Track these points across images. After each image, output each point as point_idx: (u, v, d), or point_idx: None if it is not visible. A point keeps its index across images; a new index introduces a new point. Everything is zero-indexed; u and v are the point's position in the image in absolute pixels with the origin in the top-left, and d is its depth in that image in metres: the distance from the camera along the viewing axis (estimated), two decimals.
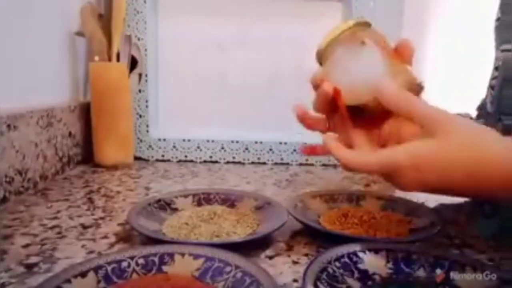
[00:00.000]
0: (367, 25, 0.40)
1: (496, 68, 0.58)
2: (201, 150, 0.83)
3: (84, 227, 0.46)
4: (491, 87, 0.58)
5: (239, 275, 0.32)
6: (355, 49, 0.38)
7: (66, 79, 0.75)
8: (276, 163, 0.83)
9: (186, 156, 0.82)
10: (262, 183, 0.69)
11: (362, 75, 0.37)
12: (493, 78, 0.58)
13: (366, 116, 0.39)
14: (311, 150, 0.51)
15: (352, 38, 0.38)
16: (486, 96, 0.60)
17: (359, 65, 0.38)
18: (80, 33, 0.75)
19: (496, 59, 0.58)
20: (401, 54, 0.39)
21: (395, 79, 0.36)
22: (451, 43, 1.21)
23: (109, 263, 0.33)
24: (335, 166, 0.82)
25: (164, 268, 0.34)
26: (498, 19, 0.59)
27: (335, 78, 0.39)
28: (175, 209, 0.50)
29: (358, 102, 0.38)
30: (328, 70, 0.40)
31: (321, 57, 0.41)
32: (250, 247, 0.41)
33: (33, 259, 0.38)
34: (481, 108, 0.62)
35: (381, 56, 0.37)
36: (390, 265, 0.36)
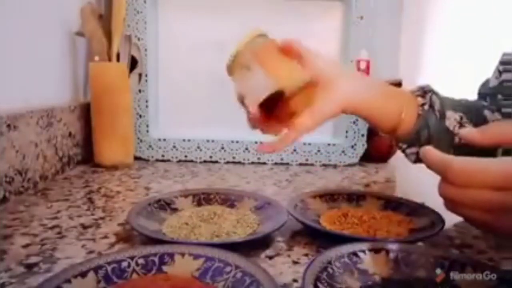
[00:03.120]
0: (260, 37, 0.49)
1: None
2: (201, 150, 0.83)
3: (84, 227, 0.46)
4: (501, 62, 0.58)
5: (239, 275, 0.32)
6: (245, 74, 0.48)
7: (66, 79, 0.75)
8: (276, 163, 0.83)
9: (186, 156, 0.82)
10: (262, 183, 0.69)
11: (256, 92, 0.47)
12: (506, 54, 0.58)
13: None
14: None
15: (242, 64, 0.48)
16: (494, 72, 0.60)
17: (252, 87, 0.47)
18: (80, 33, 0.75)
19: None
20: (287, 53, 0.49)
21: (286, 82, 0.44)
22: (450, 42, 1.21)
23: (109, 263, 0.33)
24: (335, 166, 0.82)
25: (164, 268, 0.34)
26: None
27: (239, 96, 0.50)
28: (175, 209, 0.50)
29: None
30: (235, 89, 0.51)
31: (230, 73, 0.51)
32: (250, 247, 0.41)
33: (33, 259, 0.38)
34: (483, 86, 0.62)
35: (264, 74, 0.45)
36: (390, 265, 0.36)
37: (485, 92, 0.60)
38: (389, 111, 0.53)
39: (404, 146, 0.56)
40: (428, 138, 0.53)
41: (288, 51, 0.49)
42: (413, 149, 0.55)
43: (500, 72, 0.58)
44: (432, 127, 0.53)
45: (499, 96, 0.57)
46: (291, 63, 0.48)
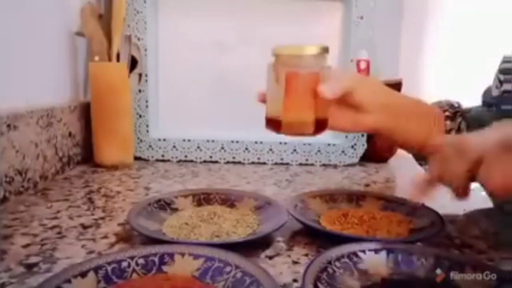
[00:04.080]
0: (323, 51, 0.46)
1: None
2: (201, 150, 0.83)
3: (84, 227, 0.46)
4: (500, 70, 0.58)
5: (239, 275, 0.32)
6: (272, 79, 0.46)
7: (66, 79, 0.75)
8: (276, 163, 0.83)
9: (186, 156, 0.82)
10: (262, 183, 0.69)
11: (270, 104, 0.47)
12: (504, 61, 0.58)
13: None
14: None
15: (277, 68, 0.45)
16: (494, 80, 0.60)
17: (271, 96, 0.47)
18: (80, 33, 0.75)
19: None
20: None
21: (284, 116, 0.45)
22: (450, 42, 1.21)
23: (109, 263, 0.33)
24: (335, 166, 0.82)
25: (164, 268, 0.34)
26: None
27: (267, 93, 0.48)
28: (175, 209, 0.50)
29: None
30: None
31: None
32: (250, 247, 0.41)
33: (33, 259, 0.38)
34: (486, 94, 0.62)
35: (282, 94, 0.44)
36: (390, 265, 0.36)
37: (489, 101, 0.60)
38: (416, 133, 0.50)
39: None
40: None
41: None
42: None
43: (500, 82, 0.58)
44: None
45: (503, 106, 0.57)
46: (309, 110, 0.45)
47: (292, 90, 0.44)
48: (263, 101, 0.49)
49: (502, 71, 0.58)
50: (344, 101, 0.47)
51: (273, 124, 0.46)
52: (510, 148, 0.35)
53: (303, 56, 0.45)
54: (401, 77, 0.90)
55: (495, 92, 0.58)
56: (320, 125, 0.46)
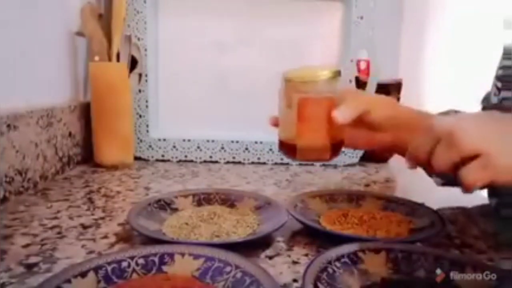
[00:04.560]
0: (335, 74, 0.45)
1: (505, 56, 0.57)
2: (201, 150, 0.82)
3: (84, 227, 0.46)
4: (496, 77, 0.58)
5: (239, 275, 0.32)
6: (285, 106, 0.45)
7: (66, 79, 0.75)
8: (276, 163, 0.83)
9: (186, 156, 0.82)
10: (262, 183, 0.69)
11: (283, 129, 0.47)
12: (500, 67, 0.58)
13: None
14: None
15: (288, 93, 0.45)
16: (492, 87, 0.60)
17: (285, 118, 0.46)
18: (80, 33, 0.75)
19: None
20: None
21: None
22: (450, 42, 1.21)
23: (109, 263, 0.33)
24: (335, 166, 0.82)
25: (164, 268, 0.34)
26: None
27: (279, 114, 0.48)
28: (175, 209, 0.50)
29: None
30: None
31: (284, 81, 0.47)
32: (250, 247, 0.41)
33: (33, 259, 0.38)
34: (486, 100, 0.61)
35: (295, 120, 0.44)
36: (390, 265, 0.36)
37: (489, 108, 0.60)
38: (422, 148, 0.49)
39: (438, 180, 0.56)
40: None
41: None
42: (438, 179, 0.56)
43: (498, 89, 0.58)
44: None
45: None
46: (324, 136, 0.45)
47: (305, 116, 0.44)
48: (276, 125, 0.49)
49: (499, 78, 0.58)
50: (359, 120, 0.47)
51: (287, 149, 0.46)
52: None
53: (315, 82, 0.44)
54: (401, 77, 0.90)
55: (494, 100, 0.58)
56: (336, 148, 0.46)
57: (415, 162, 0.41)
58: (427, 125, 0.40)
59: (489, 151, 0.35)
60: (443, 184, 0.57)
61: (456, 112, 0.55)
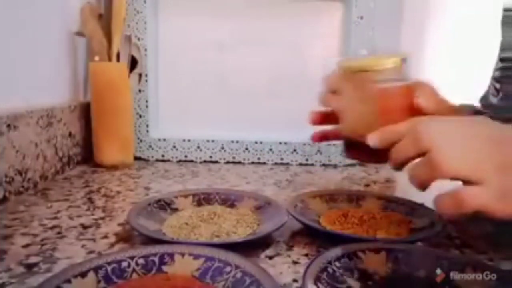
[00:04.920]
0: (405, 59, 0.41)
1: (502, 60, 0.57)
2: (201, 150, 0.83)
3: (84, 227, 0.46)
4: (494, 78, 0.58)
5: (239, 275, 0.32)
6: (352, 101, 0.41)
7: (66, 79, 0.75)
8: (276, 163, 0.83)
9: (186, 156, 0.82)
10: (262, 183, 0.69)
11: (359, 123, 0.41)
12: (496, 69, 0.58)
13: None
14: (323, 136, 0.52)
15: (361, 85, 0.40)
16: (489, 87, 0.60)
17: (355, 115, 0.42)
18: (80, 33, 0.75)
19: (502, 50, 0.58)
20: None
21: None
22: (450, 43, 1.21)
23: (109, 263, 0.33)
24: (335, 166, 0.82)
25: (164, 268, 0.34)
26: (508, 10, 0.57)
27: (341, 106, 0.42)
28: (175, 209, 0.50)
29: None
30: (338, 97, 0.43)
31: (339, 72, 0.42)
32: (250, 247, 0.41)
33: (33, 259, 0.38)
34: (484, 99, 0.61)
35: (370, 115, 0.40)
36: (390, 265, 0.36)
37: (488, 106, 0.60)
38: None
39: None
40: None
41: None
42: None
43: (497, 90, 0.58)
44: None
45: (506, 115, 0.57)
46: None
47: (388, 108, 0.39)
48: (320, 123, 0.47)
49: (496, 79, 0.58)
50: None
51: (364, 149, 0.40)
52: None
53: (389, 69, 0.40)
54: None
55: (493, 100, 0.58)
56: None
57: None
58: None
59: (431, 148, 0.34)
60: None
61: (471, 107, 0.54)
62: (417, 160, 0.35)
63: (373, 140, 0.39)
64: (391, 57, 0.40)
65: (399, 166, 0.38)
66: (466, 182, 0.33)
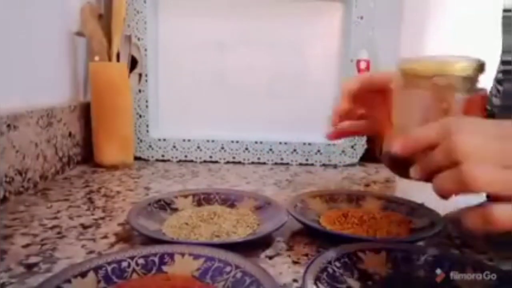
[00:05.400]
0: (479, 69, 0.35)
1: (503, 63, 0.57)
2: (201, 150, 0.83)
3: (84, 227, 0.46)
4: (496, 80, 0.58)
5: (239, 275, 0.32)
6: (420, 109, 0.35)
7: (66, 79, 0.75)
8: (276, 163, 0.83)
9: (186, 156, 0.82)
10: (262, 183, 0.69)
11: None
12: (499, 71, 0.58)
13: None
14: (339, 133, 0.50)
15: (441, 94, 0.34)
16: (491, 89, 0.60)
17: (417, 117, 0.35)
18: (80, 33, 0.75)
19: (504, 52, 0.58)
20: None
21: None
22: (451, 43, 1.21)
23: (109, 263, 0.33)
24: (335, 166, 0.82)
25: (164, 268, 0.34)
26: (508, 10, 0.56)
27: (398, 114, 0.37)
28: (175, 209, 0.50)
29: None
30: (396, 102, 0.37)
31: (399, 74, 0.37)
32: (250, 247, 0.41)
33: (33, 259, 0.38)
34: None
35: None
36: (390, 265, 0.36)
37: (490, 106, 0.60)
38: None
39: None
40: None
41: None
42: None
43: (499, 91, 0.58)
44: None
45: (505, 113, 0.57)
46: None
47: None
48: (340, 120, 0.46)
49: (498, 81, 0.58)
50: None
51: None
52: None
53: (471, 77, 0.34)
54: None
55: (496, 102, 0.58)
56: None
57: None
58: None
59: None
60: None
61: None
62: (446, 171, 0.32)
63: (396, 147, 0.34)
64: (464, 60, 0.35)
65: (426, 177, 0.34)
66: (497, 197, 0.30)
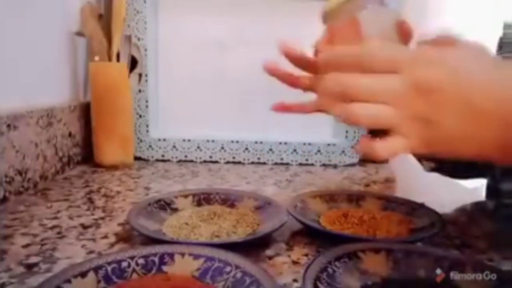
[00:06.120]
0: None
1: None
2: (201, 150, 0.83)
3: (84, 227, 0.46)
4: None
5: (239, 275, 0.32)
6: (376, 12, 0.37)
7: (66, 79, 0.75)
8: (276, 163, 0.83)
9: (186, 156, 0.82)
10: (262, 183, 0.69)
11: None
12: None
13: None
14: (285, 107, 0.50)
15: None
16: None
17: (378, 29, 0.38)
18: (80, 33, 0.75)
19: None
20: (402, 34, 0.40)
21: None
22: None
23: (109, 263, 0.33)
24: (335, 166, 0.82)
25: (164, 268, 0.34)
26: None
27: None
28: (175, 209, 0.50)
29: None
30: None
31: (331, 15, 0.40)
32: (250, 247, 0.40)
33: (33, 259, 0.38)
34: None
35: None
36: (390, 265, 0.36)
37: None
38: None
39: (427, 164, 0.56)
40: None
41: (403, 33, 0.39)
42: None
43: None
44: None
45: None
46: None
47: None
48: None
49: None
50: None
51: None
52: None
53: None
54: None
55: None
56: None
57: None
58: None
59: None
60: (433, 170, 0.56)
61: None
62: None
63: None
64: None
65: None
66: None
